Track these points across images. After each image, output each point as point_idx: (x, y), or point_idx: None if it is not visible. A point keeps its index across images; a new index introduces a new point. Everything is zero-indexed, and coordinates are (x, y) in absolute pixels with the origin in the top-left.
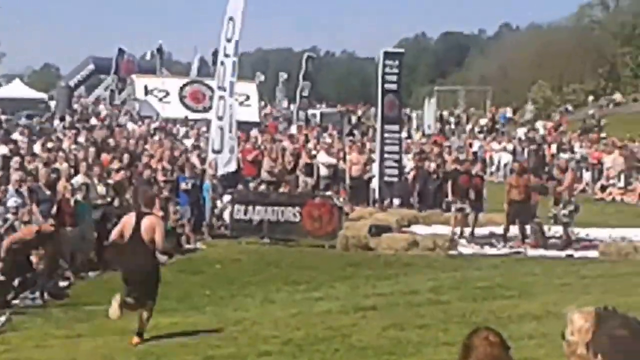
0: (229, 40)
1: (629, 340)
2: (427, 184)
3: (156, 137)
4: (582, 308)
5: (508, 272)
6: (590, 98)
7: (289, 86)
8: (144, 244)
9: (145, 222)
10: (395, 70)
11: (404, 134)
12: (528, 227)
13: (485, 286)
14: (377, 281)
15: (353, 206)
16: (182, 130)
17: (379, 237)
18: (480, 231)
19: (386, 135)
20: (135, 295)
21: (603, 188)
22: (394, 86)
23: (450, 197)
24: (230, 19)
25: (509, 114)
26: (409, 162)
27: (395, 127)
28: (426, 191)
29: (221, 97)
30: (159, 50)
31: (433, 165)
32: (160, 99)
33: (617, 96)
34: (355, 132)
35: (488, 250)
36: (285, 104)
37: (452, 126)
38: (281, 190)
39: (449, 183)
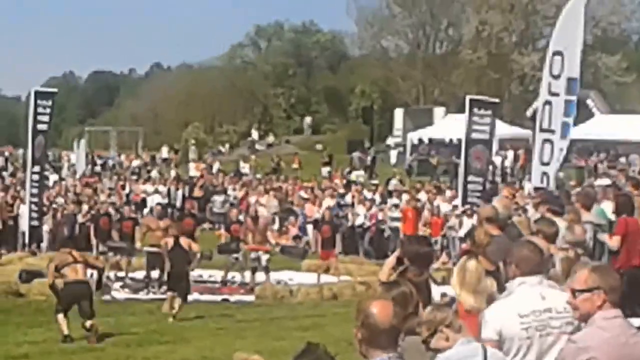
0: None
1: None
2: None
3: None
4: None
5: (164, 318)
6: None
7: None
8: None
9: None
10: (47, 110)
11: (56, 176)
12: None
13: (140, 332)
14: (28, 328)
15: (2, 251)
16: None
17: (29, 283)
18: (135, 275)
19: (34, 177)
20: None
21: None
22: (45, 126)
23: (93, 240)
24: None
25: (165, 154)
26: (68, 205)
27: (40, 169)
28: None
29: None
30: None
31: (86, 208)
32: None
33: (270, 138)
34: (4, 173)
35: (142, 295)
36: None
37: (98, 168)
38: None
39: (92, 226)
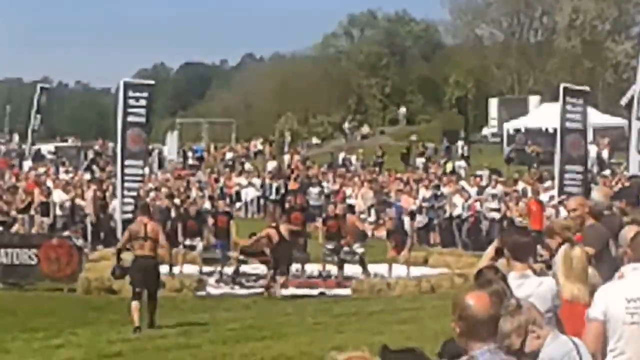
0: None
1: None
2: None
3: None
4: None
5: (260, 313)
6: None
7: (18, 119)
8: None
9: None
10: (142, 103)
11: (146, 169)
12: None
13: (237, 328)
14: (122, 326)
15: (95, 246)
16: None
17: (123, 279)
18: (229, 270)
19: (127, 171)
20: None
21: None
22: (141, 119)
23: (180, 237)
24: None
25: (259, 146)
26: (162, 200)
27: (139, 162)
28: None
29: None
30: None
31: (177, 202)
32: None
33: (365, 128)
34: (94, 167)
35: (238, 290)
36: (16, 138)
37: (191, 161)
38: (15, 230)
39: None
